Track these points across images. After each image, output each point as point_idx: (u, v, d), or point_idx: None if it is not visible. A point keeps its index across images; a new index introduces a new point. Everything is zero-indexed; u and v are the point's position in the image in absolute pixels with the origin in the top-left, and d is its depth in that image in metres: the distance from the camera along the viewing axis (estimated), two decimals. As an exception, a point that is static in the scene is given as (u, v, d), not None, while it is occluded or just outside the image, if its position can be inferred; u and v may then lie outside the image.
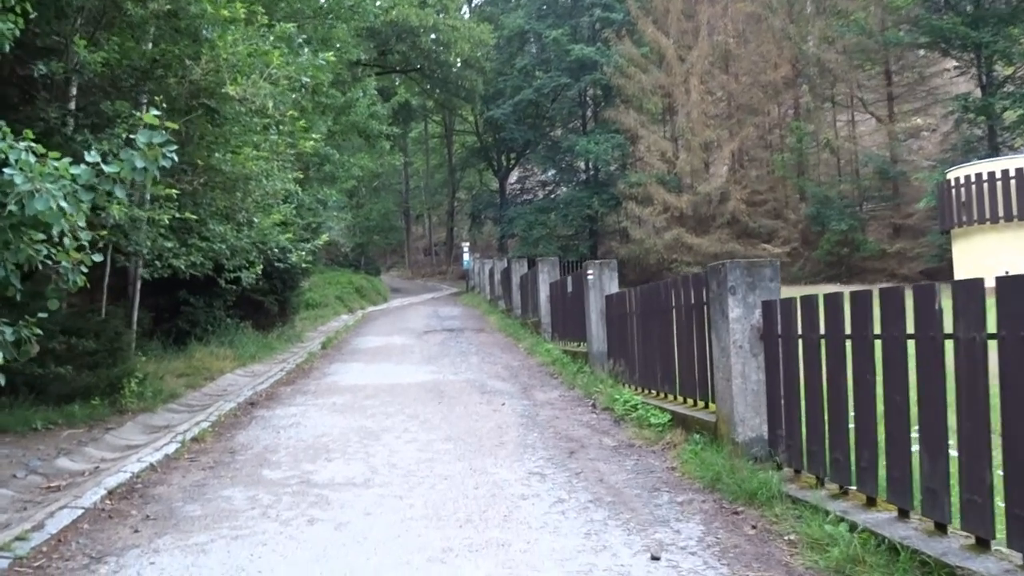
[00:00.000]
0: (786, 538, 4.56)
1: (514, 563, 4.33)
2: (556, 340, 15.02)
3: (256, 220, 9.04)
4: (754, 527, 4.80)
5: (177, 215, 7.22)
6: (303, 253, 9.72)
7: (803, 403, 5.28)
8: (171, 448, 7.34)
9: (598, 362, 10.96)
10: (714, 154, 39.87)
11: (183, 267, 7.85)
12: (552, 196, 47.10)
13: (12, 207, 3.84)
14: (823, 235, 35.63)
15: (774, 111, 42.11)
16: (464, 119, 54.44)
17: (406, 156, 55.21)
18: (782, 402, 5.55)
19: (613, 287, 11.03)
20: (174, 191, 7.15)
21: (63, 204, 3.95)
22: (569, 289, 13.65)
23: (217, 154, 8.47)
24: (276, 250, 9.32)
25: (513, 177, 51.57)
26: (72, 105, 8.27)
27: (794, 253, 37.22)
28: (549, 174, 49.01)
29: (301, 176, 10.56)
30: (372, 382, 11.86)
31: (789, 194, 40.17)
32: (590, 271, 11.05)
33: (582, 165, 45.79)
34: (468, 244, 44.82)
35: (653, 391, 8.80)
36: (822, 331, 5.01)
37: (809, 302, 5.19)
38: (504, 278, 25.14)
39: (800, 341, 5.25)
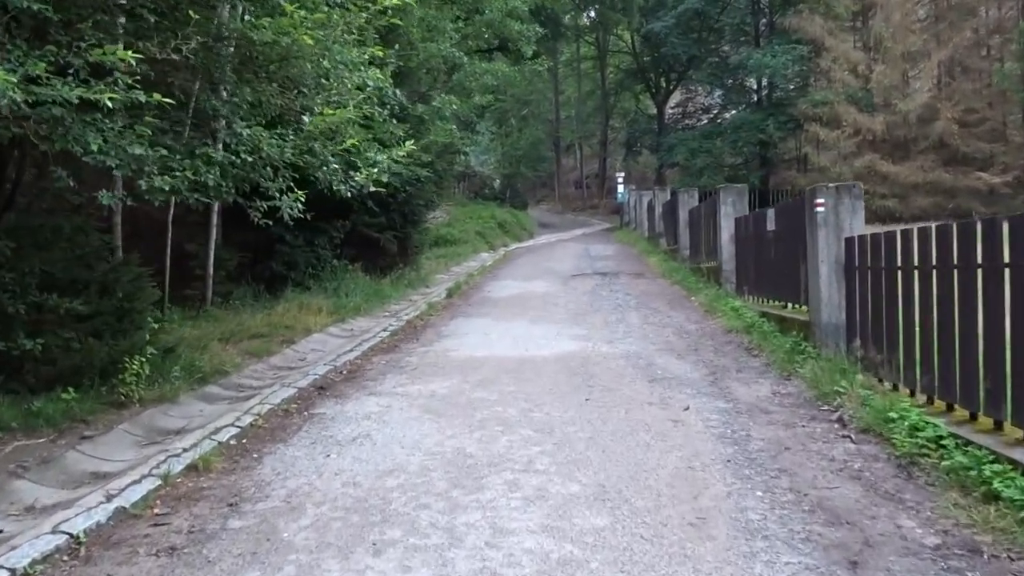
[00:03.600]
0: None
1: None
2: (745, 295, 11.27)
3: (308, 118, 5.92)
4: None
5: (145, 97, 4.20)
6: (374, 170, 6.52)
7: None
8: (135, 493, 4.39)
9: (829, 338, 7.23)
10: (918, 65, 33.56)
11: (183, 190, 4.90)
12: (718, 121, 41.98)
13: None
14: (1059, 160, 29.10)
15: (993, 11, 35.07)
16: (619, 38, 49.73)
17: (555, 80, 51.27)
18: None
19: (858, 225, 7.18)
20: (130, 55, 4.08)
21: None
22: (770, 227, 9.83)
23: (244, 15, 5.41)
24: (330, 167, 6.19)
25: (673, 101, 46.63)
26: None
27: (1017, 183, 31.05)
28: (715, 96, 43.78)
29: (382, 54, 7.27)
30: (495, 354, 8.66)
31: (1011, 112, 33.49)
32: (820, 200, 7.25)
33: (754, 84, 40.34)
34: (622, 175, 40.78)
35: (945, 398, 5.09)
36: None
37: None
38: (667, 212, 21.29)
39: None
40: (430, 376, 7.58)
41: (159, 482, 4.58)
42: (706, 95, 44.88)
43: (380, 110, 8.84)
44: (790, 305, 9.18)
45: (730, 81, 40.25)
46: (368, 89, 7.46)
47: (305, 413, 6.29)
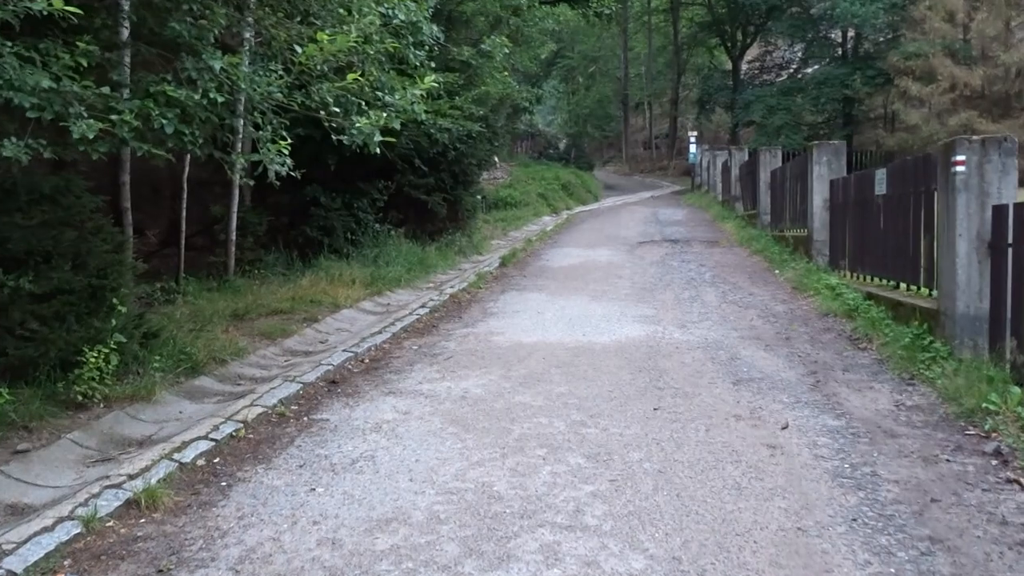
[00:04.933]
0: None
1: None
2: (842, 271, 9.68)
3: (300, 48, 4.58)
4: None
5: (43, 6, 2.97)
6: (383, 115, 5.17)
7: None
8: (37, 550, 3.25)
9: (966, 333, 5.71)
10: (1025, 13, 30.53)
11: (126, 138, 3.72)
12: (798, 76, 39.31)
13: None
14: None
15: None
16: (694, -12, 47.10)
17: (624, 35, 48.96)
18: None
19: (1009, 190, 5.59)
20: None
21: None
22: (879, 190, 8.20)
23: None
24: (330, 111, 4.90)
25: (750, 56, 43.98)
26: None
27: None
28: (795, 49, 41.05)
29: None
30: (547, 339, 7.34)
31: None
32: (960, 158, 5.67)
33: (838, 36, 37.58)
34: (695, 135, 38.60)
35: None
36: None
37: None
38: (745, 174, 19.51)
39: None
40: (466, 368, 6.31)
41: (79, 529, 3.43)
42: (786, 48, 42.16)
43: (415, 51, 7.52)
44: (903, 286, 7.61)
45: (812, 33, 37.52)
46: (396, 21, 6.14)
47: (304, 419, 5.10)
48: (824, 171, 10.61)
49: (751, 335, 7.37)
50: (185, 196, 8.93)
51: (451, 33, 11.50)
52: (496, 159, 30.04)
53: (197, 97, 4.26)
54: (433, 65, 7.61)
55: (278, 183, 5.34)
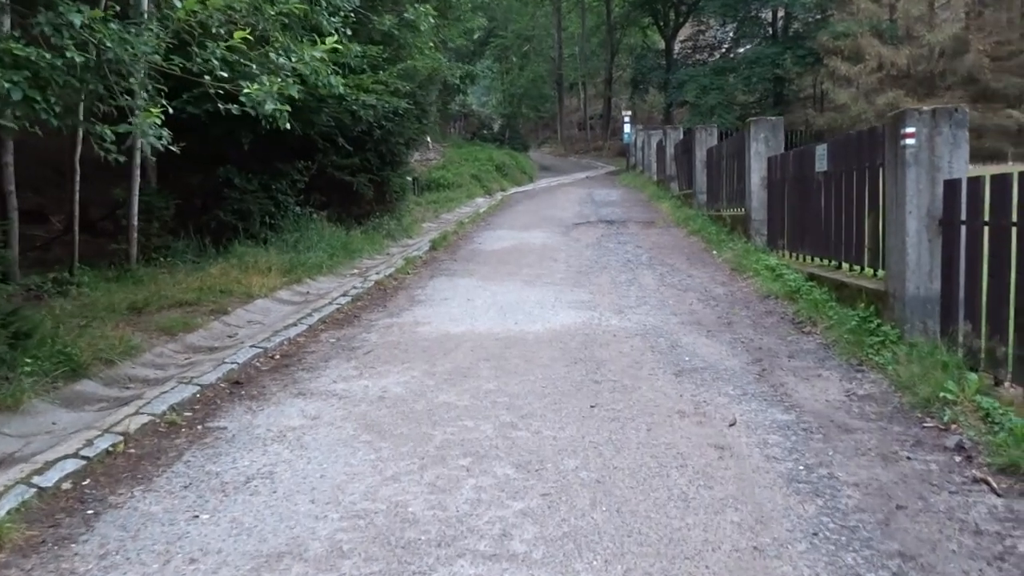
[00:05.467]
0: None
1: None
2: (781, 251, 9.40)
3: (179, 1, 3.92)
4: None
5: None
6: (277, 80, 4.55)
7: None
8: None
9: (915, 316, 5.40)
10: (948, -7, 31.04)
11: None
12: (731, 56, 39.43)
13: None
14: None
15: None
16: (626, -34, 46.83)
17: (559, 15, 48.43)
18: None
19: (960, 164, 5.28)
20: None
21: None
22: (820, 167, 7.89)
23: None
24: (216, 75, 4.27)
25: (683, 35, 43.99)
26: None
27: (1052, 121, 29.02)
28: (728, 29, 41.19)
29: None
30: (476, 329, 6.83)
31: (1050, 44, 31.10)
32: (909, 130, 5.33)
33: (769, 16, 37.78)
34: (629, 114, 38.44)
35: None
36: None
37: None
38: (680, 153, 19.27)
39: None
40: (386, 363, 5.77)
41: None
42: (718, 28, 42.28)
43: (328, 17, 6.88)
44: (846, 266, 7.32)
45: (744, 13, 37.62)
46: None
47: (198, 428, 4.50)
48: (762, 148, 10.31)
49: (691, 320, 6.99)
50: (78, 176, 8.12)
51: (375, 4, 10.80)
52: (429, 139, 29.33)
53: (49, 57, 3.58)
54: (349, 33, 6.95)
55: (154, 159, 4.62)
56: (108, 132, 3.81)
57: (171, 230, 9.97)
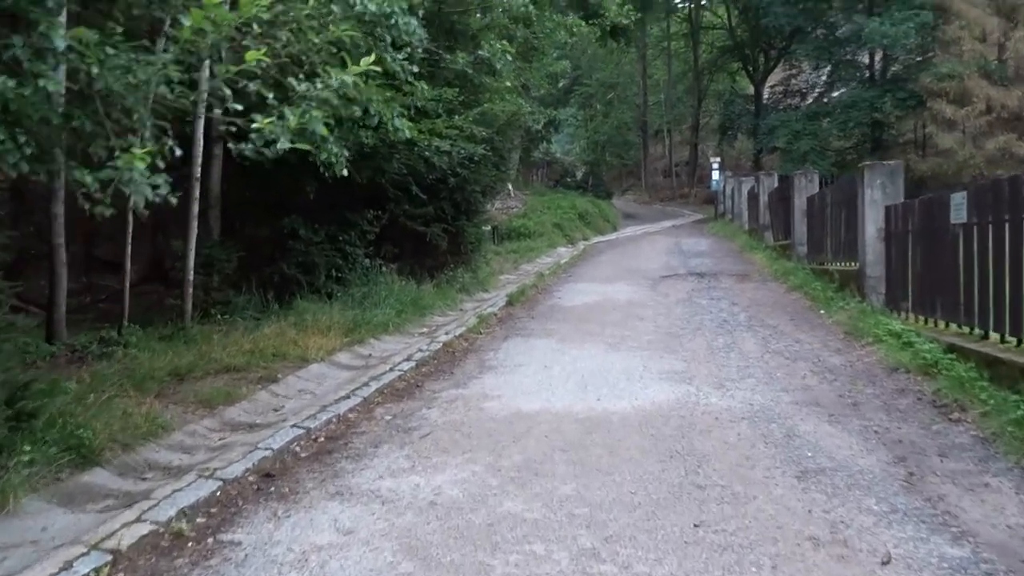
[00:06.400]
0: None
1: None
2: (905, 313, 8.20)
3: (186, 20, 3.23)
4: None
5: None
6: (291, 119, 3.82)
7: None
8: None
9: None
10: (1065, 30, 28.93)
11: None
12: (824, 100, 37.86)
13: None
14: None
15: None
16: (713, 12, 46.05)
17: (643, 61, 47.83)
18: None
19: None
20: None
21: None
22: (957, 218, 6.73)
23: None
24: (230, 107, 3.56)
25: (773, 80, 42.64)
26: None
27: None
28: (821, 72, 39.67)
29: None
30: (553, 406, 5.90)
31: None
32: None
33: (865, 59, 36.14)
34: (718, 160, 37.19)
35: None
36: None
37: None
38: (775, 201, 18.07)
39: None
40: (444, 452, 4.88)
41: None
42: (811, 72, 40.79)
43: (393, 54, 6.21)
44: (994, 335, 6.12)
45: (838, 56, 36.10)
46: (358, 7, 4.82)
47: (208, 541, 3.68)
48: (878, 195, 9.15)
49: (807, 399, 5.90)
50: (130, 226, 7.64)
51: (452, 45, 10.21)
52: (510, 187, 28.82)
53: (12, 84, 2.90)
54: (415, 70, 6.26)
55: (145, 212, 3.85)
56: (89, 179, 3.11)
57: (233, 284, 9.45)
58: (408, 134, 7.20)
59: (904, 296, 8.26)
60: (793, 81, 41.77)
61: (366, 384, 6.61)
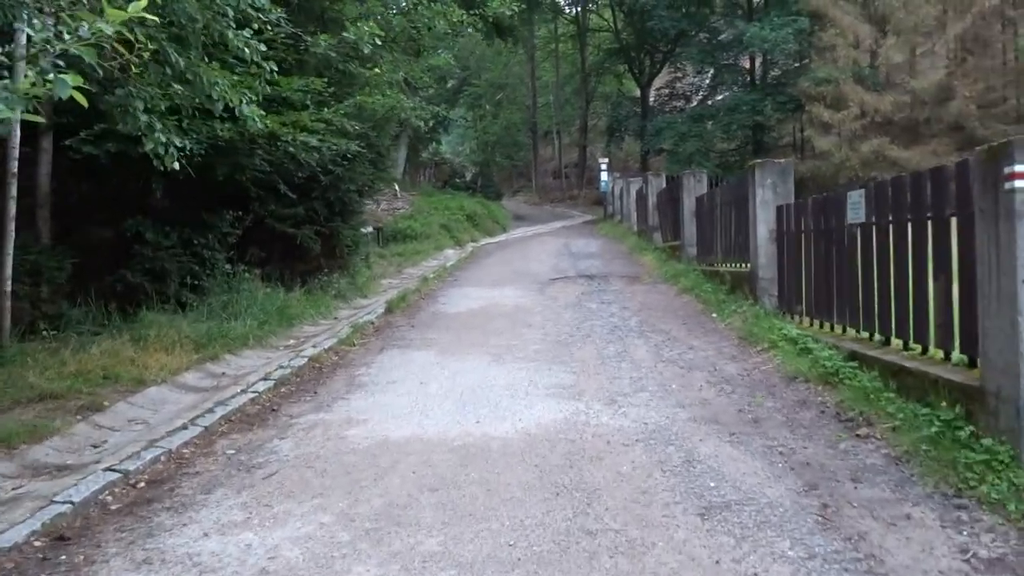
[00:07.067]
0: None
1: None
2: (798, 316, 7.88)
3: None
4: None
5: None
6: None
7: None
8: None
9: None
10: (931, 39, 30.28)
11: None
12: (708, 103, 38.57)
13: None
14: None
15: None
16: (600, 15, 46.35)
17: (532, 63, 47.72)
18: None
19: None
20: None
21: None
22: (854, 217, 6.39)
23: None
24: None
25: (659, 82, 43.23)
26: None
27: (1042, 169, 27.99)
28: (705, 76, 40.43)
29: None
30: (425, 431, 5.17)
31: (1034, 90, 30.52)
32: (1020, 167, 3.84)
33: (747, 64, 36.99)
34: (606, 162, 37.26)
35: None
36: None
37: None
38: (665, 202, 17.88)
39: None
40: (290, 497, 4.08)
41: None
42: (695, 75, 41.55)
43: (234, 29, 5.34)
44: (896, 341, 5.78)
45: (721, 59, 36.81)
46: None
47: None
48: (769, 195, 8.84)
49: (705, 415, 5.39)
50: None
51: (317, 29, 9.32)
52: (397, 188, 27.86)
53: None
54: (263, 48, 5.40)
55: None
56: None
57: (67, 294, 8.26)
58: (261, 124, 6.34)
59: (798, 299, 7.94)
60: (678, 84, 42.46)
61: (211, 410, 5.70)
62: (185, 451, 4.92)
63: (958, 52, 30.02)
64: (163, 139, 4.84)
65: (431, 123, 36.33)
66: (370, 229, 16.71)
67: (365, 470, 4.45)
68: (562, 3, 46.70)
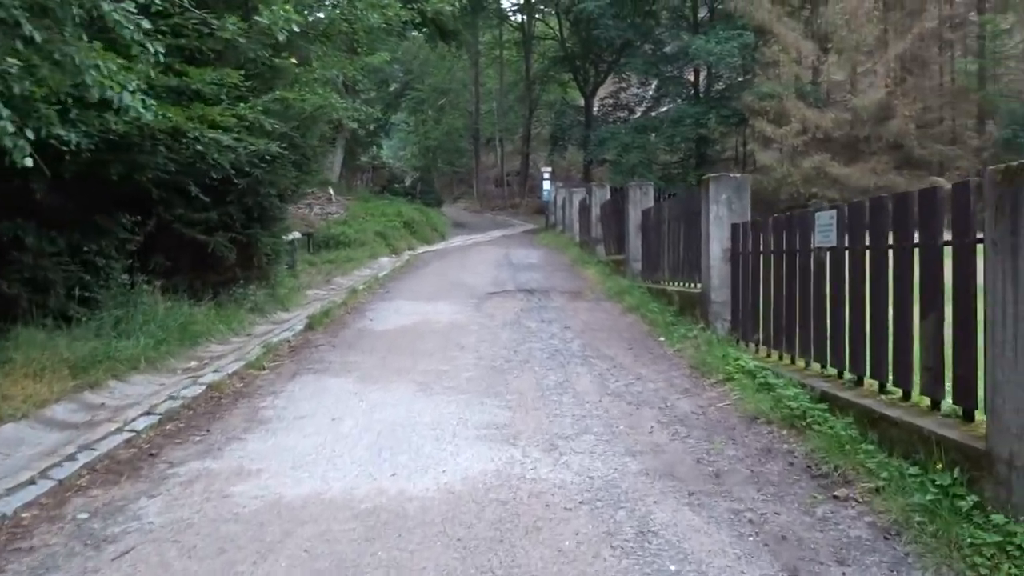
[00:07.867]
0: None
1: None
2: (755, 346, 7.23)
3: None
4: None
5: None
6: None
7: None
8: None
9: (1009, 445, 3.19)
10: (873, 58, 30.45)
11: None
12: (652, 114, 38.32)
13: None
14: None
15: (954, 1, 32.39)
16: (546, 23, 45.86)
17: (476, 68, 47.01)
18: None
19: None
20: None
21: None
22: (823, 240, 5.75)
23: None
24: None
25: (603, 92, 42.88)
26: None
27: (977, 189, 28.42)
28: (649, 87, 40.22)
29: None
30: (328, 489, 4.30)
31: (971, 112, 30.96)
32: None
33: (691, 76, 36.86)
34: (549, 170, 36.67)
35: None
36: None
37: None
38: (609, 214, 17.28)
39: None
40: (142, 588, 3.19)
41: None
42: (639, 86, 41.33)
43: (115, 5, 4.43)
44: (871, 382, 5.13)
45: (666, 71, 36.58)
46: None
47: None
48: (723, 212, 8.20)
49: (659, 467, 4.65)
50: None
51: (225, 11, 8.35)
52: (332, 192, 26.76)
53: None
54: (147, 25, 4.49)
55: None
56: None
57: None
58: (151, 116, 5.38)
59: (755, 327, 7.29)
60: (622, 95, 42.17)
61: (72, 456, 4.75)
62: (25, 515, 3.97)
63: (898, 72, 30.26)
64: (11, 129, 3.90)
65: (371, 126, 35.41)
66: (298, 235, 15.68)
67: (245, 547, 3.57)
68: (508, 10, 46.05)
